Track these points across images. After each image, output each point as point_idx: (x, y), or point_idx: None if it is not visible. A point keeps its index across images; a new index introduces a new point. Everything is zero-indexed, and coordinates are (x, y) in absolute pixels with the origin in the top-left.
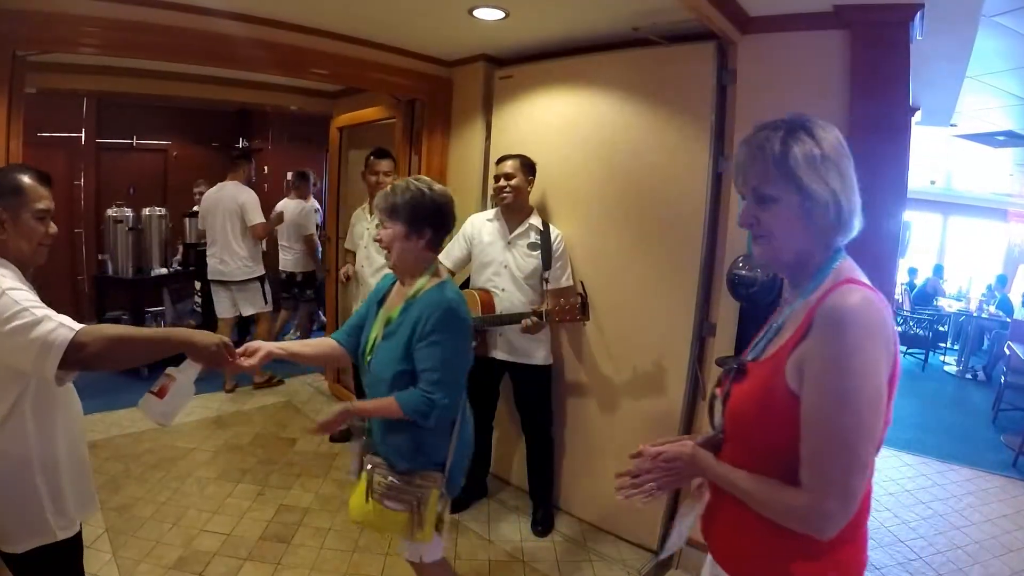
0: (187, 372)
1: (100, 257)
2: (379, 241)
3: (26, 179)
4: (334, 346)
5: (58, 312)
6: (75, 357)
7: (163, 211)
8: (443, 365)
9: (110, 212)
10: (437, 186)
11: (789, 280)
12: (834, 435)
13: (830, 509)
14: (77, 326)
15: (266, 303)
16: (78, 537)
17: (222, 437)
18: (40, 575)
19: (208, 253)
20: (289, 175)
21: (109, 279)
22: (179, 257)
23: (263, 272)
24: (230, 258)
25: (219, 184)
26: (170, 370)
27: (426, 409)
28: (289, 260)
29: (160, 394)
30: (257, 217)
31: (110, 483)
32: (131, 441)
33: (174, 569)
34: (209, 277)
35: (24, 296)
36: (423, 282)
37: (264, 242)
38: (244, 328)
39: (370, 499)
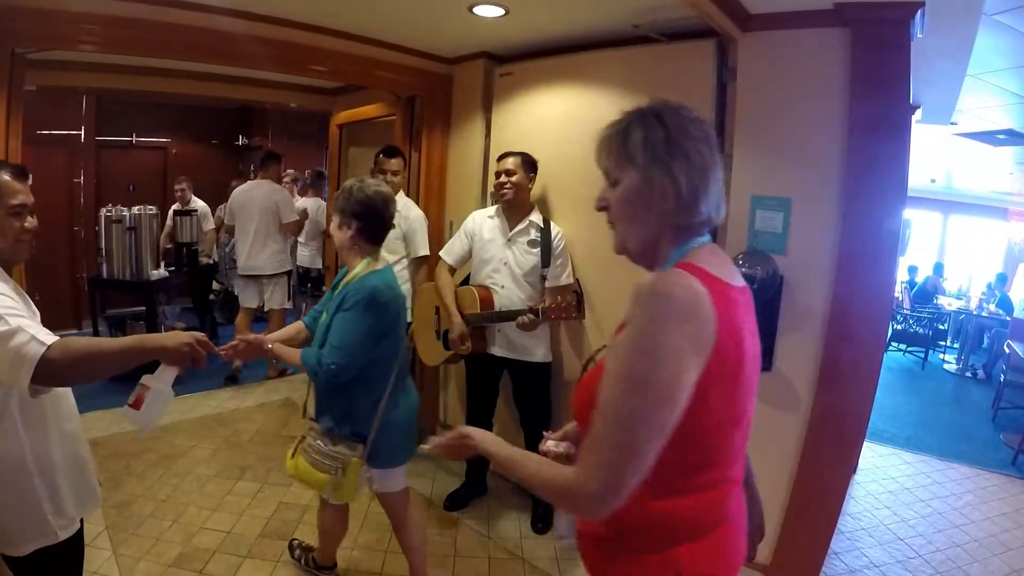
0: (162, 378)
1: (99, 260)
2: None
3: (4, 174)
4: (301, 328)
5: (59, 312)
6: (45, 373)
7: (155, 209)
8: (342, 334)
9: (105, 212)
10: (371, 186)
11: (646, 269)
12: (613, 415)
13: (593, 490)
14: (50, 339)
15: (288, 298)
16: (78, 537)
17: (222, 434)
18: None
19: (238, 249)
20: (306, 173)
21: (105, 281)
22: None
23: (292, 267)
24: (264, 253)
25: (250, 183)
26: (145, 379)
27: (315, 366)
28: (306, 256)
29: (136, 405)
30: (291, 215)
31: (110, 480)
32: (131, 439)
33: (174, 566)
34: (240, 272)
35: (2, 303)
36: (359, 269)
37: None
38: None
39: (297, 456)
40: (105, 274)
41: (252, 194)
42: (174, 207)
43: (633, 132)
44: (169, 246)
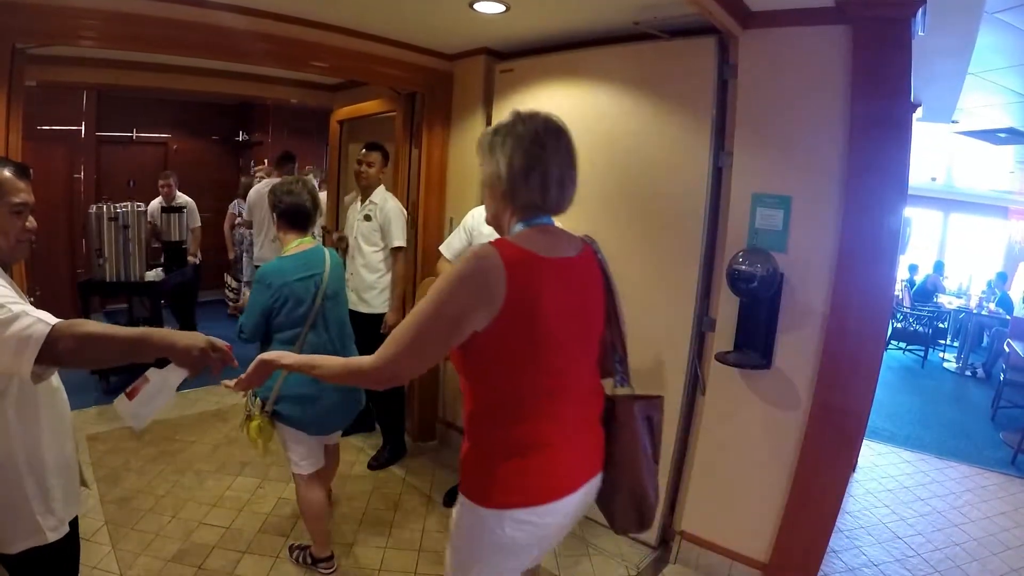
0: (167, 376)
1: (99, 262)
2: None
3: (2, 172)
4: None
5: (59, 309)
6: (49, 353)
7: (143, 206)
8: (246, 307)
9: (95, 209)
10: (282, 185)
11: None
12: (407, 325)
13: (380, 367)
14: (54, 320)
15: None
16: (72, 538)
17: (222, 430)
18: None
19: (255, 243)
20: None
21: (98, 285)
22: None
23: None
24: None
25: (266, 180)
26: (150, 372)
27: (237, 331)
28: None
29: (131, 395)
30: None
31: (110, 476)
32: (131, 434)
33: (173, 562)
34: (255, 263)
35: (1, 293)
36: (285, 250)
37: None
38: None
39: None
40: (97, 277)
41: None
42: (156, 202)
43: (489, 134)
44: (156, 245)
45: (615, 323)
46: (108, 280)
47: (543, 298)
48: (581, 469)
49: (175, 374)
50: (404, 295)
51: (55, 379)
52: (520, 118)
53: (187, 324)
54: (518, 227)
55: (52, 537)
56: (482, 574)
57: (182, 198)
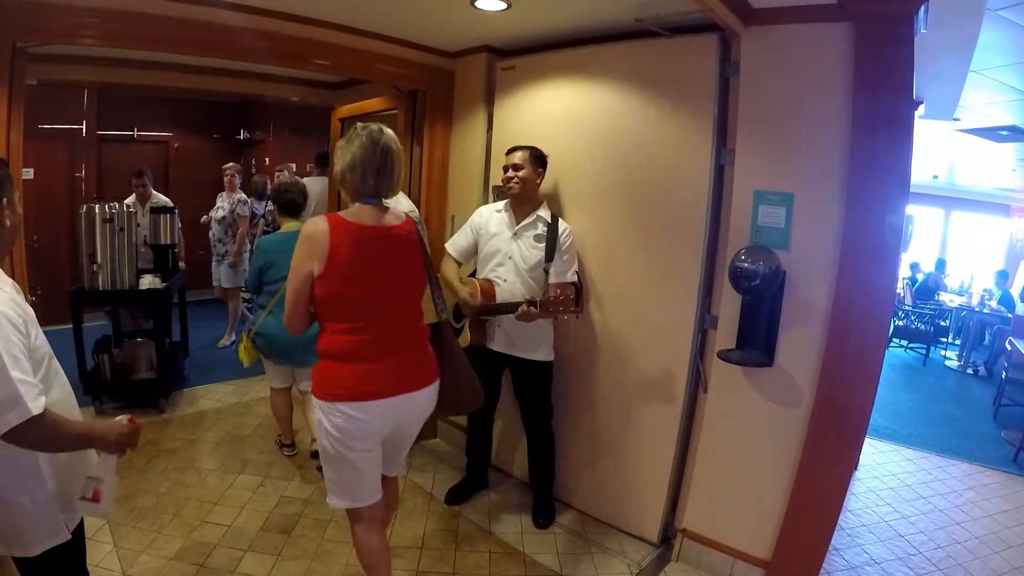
0: (108, 467)
1: (95, 268)
2: None
3: (6, 168)
4: None
5: (61, 307)
6: (14, 435)
7: (132, 206)
8: (249, 268)
9: (87, 209)
10: (285, 184)
11: None
12: (287, 284)
13: (286, 320)
14: (37, 406)
15: None
16: (80, 530)
17: (223, 428)
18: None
19: None
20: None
21: (94, 295)
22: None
23: None
24: None
25: (308, 178)
26: (94, 472)
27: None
28: None
29: (95, 499)
30: None
31: None
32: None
33: (175, 560)
34: None
35: (9, 346)
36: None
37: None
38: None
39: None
40: (91, 286)
41: (311, 188)
42: (129, 201)
43: (338, 145)
44: (142, 248)
45: (431, 274)
46: (101, 288)
47: (357, 251)
48: (397, 382)
49: (111, 461)
50: None
51: (58, 364)
52: (354, 132)
53: (167, 331)
54: (354, 206)
55: (71, 527)
56: (339, 467)
57: (159, 197)
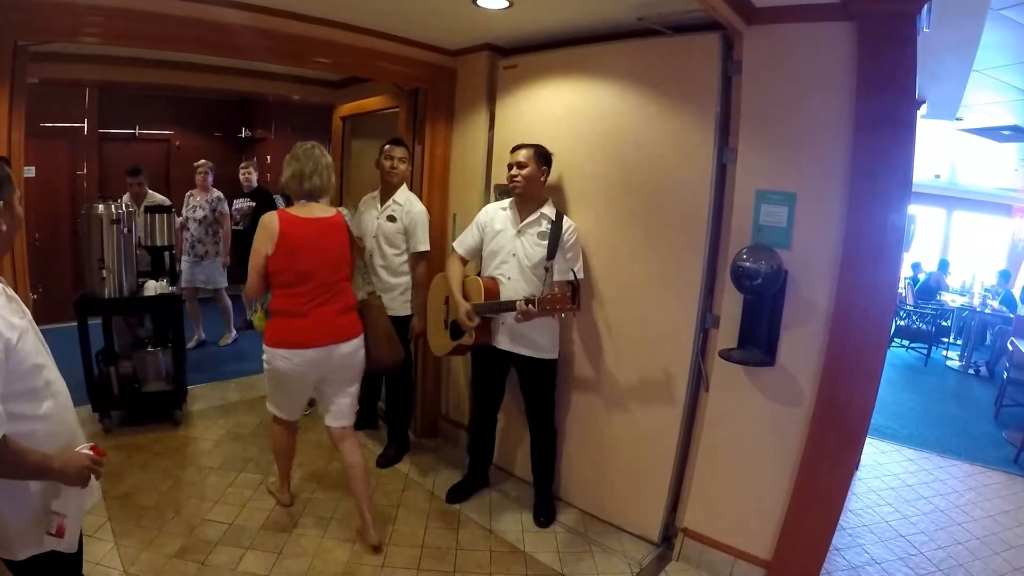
0: (70, 500)
1: (103, 275)
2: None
3: (6, 168)
4: None
5: (62, 305)
6: None
7: (131, 205)
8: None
9: (94, 210)
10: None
11: None
12: (250, 260)
13: (246, 291)
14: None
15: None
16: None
17: (224, 426)
18: None
19: None
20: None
21: (101, 304)
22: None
23: None
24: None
25: None
26: (55, 507)
27: None
28: None
29: (59, 534)
30: None
31: (112, 472)
32: (132, 431)
33: (176, 558)
34: None
35: None
36: None
37: None
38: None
39: None
40: (98, 293)
41: None
42: (124, 200)
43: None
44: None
45: (356, 254)
46: (109, 296)
47: (295, 236)
48: (322, 336)
49: (73, 492)
50: (425, 300)
51: (55, 373)
52: (297, 150)
53: (181, 339)
54: (297, 204)
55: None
56: (275, 391)
57: (155, 196)
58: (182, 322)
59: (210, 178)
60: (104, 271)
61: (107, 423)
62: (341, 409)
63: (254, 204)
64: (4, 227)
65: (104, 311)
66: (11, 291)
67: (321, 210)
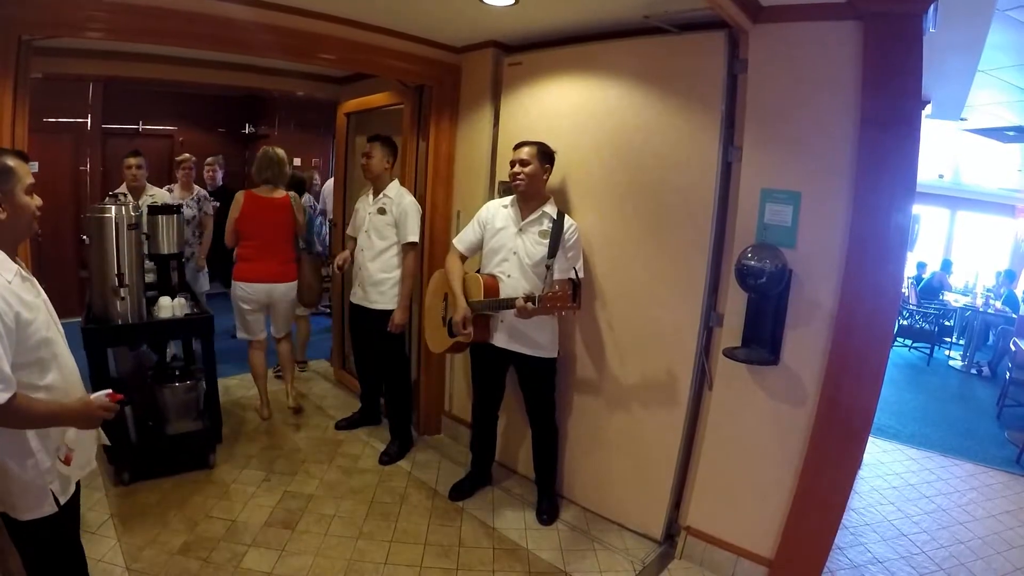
0: (82, 439)
1: (122, 293)
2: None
3: (12, 160)
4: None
5: (66, 301)
6: None
7: (127, 197)
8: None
9: (106, 213)
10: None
11: None
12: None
13: (225, 235)
14: (7, 391)
15: None
16: (75, 500)
17: (228, 423)
18: (40, 543)
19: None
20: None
21: (113, 331)
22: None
23: None
24: None
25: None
26: (68, 442)
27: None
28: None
29: (66, 462)
30: None
31: (111, 473)
32: None
33: (179, 554)
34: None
35: None
36: None
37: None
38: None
39: None
40: (115, 318)
41: (327, 187)
42: (121, 190)
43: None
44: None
45: (299, 224)
46: (129, 321)
47: (250, 207)
48: (267, 275)
49: (85, 434)
50: (410, 292)
51: (63, 348)
52: (261, 150)
53: (213, 367)
54: (259, 188)
55: (62, 500)
56: (238, 316)
57: (157, 192)
58: (212, 347)
59: (194, 174)
60: (123, 290)
61: (123, 478)
62: (278, 325)
63: (218, 204)
64: (4, 216)
65: (126, 340)
66: (27, 272)
67: (275, 192)
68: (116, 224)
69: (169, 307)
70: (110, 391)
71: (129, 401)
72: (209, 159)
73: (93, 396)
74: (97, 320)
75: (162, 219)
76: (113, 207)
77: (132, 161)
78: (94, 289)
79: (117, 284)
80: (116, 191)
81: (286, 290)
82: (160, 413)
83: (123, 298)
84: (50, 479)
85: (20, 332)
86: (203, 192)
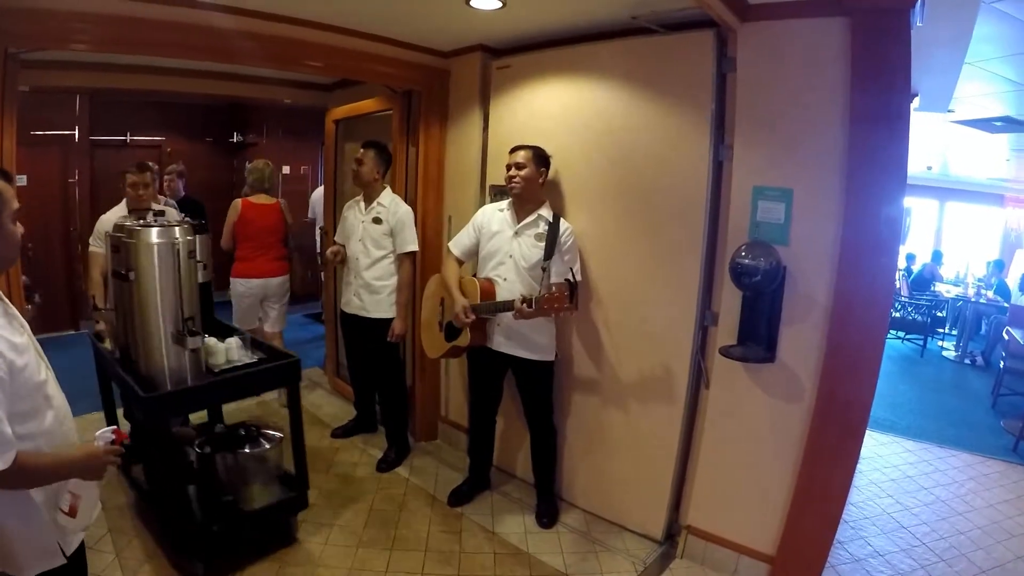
0: (88, 488)
1: (191, 344)
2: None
3: (1, 182)
4: None
5: (56, 315)
6: None
7: (126, 216)
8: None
9: (135, 239)
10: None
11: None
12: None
13: (222, 240)
14: (4, 461)
15: None
16: (80, 555)
17: None
18: None
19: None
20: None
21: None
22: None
23: None
24: None
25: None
26: (72, 486)
27: None
28: None
29: (71, 513)
30: None
31: (113, 483)
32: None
33: (178, 568)
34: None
35: None
36: None
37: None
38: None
39: None
40: (173, 379)
41: (317, 195)
42: (117, 212)
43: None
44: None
45: (288, 226)
46: (203, 382)
47: (246, 212)
48: (261, 272)
49: (90, 484)
50: (408, 301)
51: (54, 388)
52: (254, 161)
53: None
54: (253, 195)
55: (69, 551)
56: (237, 310)
57: (166, 209)
58: (299, 391)
59: (180, 182)
60: (192, 339)
61: (195, 572)
62: (272, 318)
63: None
64: None
65: (201, 404)
66: (10, 306)
67: (266, 198)
68: (170, 253)
69: (223, 351)
70: (115, 427)
71: (134, 450)
72: (169, 168)
73: (97, 434)
74: (146, 381)
75: (199, 239)
76: (154, 230)
77: (135, 179)
78: (138, 340)
79: (185, 332)
80: (116, 211)
81: (280, 283)
82: (232, 485)
83: (194, 350)
84: (56, 531)
85: (14, 382)
86: (172, 202)
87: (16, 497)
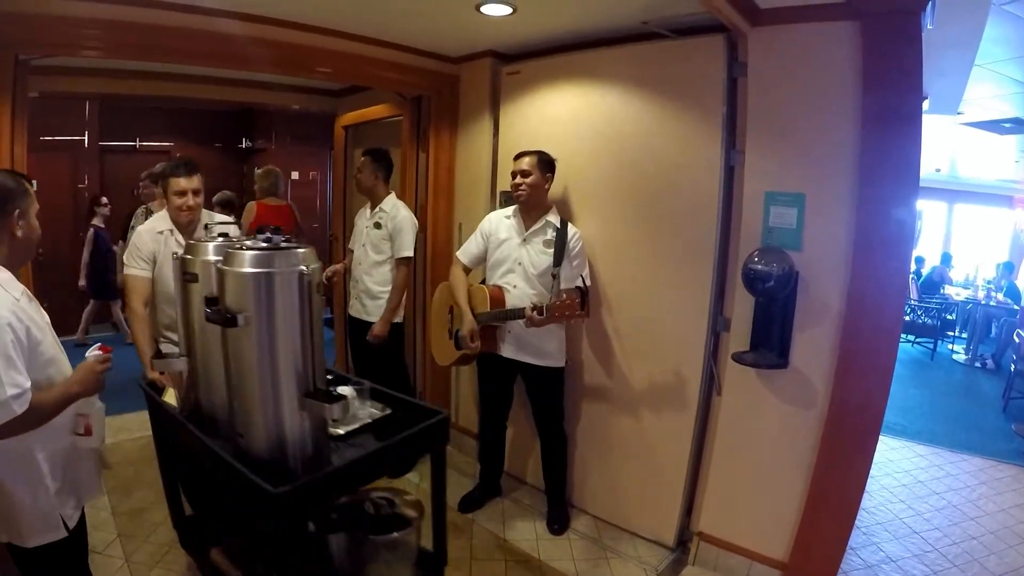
0: (93, 403)
1: (336, 413)
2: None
3: (25, 182)
4: None
5: (65, 320)
6: (10, 426)
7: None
8: None
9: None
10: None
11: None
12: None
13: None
14: (21, 405)
15: None
16: (82, 525)
17: None
18: (48, 569)
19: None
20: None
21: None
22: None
23: None
24: None
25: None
26: (81, 410)
27: None
28: None
29: (87, 432)
30: None
31: (121, 488)
32: (141, 445)
33: (188, 573)
34: None
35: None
36: None
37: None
38: None
39: None
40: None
41: None
42: (151, 224)
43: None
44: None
45: (298, 224)
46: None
47: (261, 213)
48: None
49: (93, 400)
50: (397, 306)
51: (66, 363)
52: (263, 167)
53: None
54: (265, 198)
55: (71, 524)
56: None
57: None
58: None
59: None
60: (338, 407)
61: None
62: None
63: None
64: (20, 234)
65: (344, 489)
66: (33, 298)
67: (276, 200)
68: (307, 284)
69: (339, 407)
70: (100, 344)
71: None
72: (143, 174)
73: (88, 353)
74: (257, 463)
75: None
76: (268, 251)
77: (184, 184)
78: (245, 405)
79: (322, 393)
80: (149, 225)
81: None
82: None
83: (337, 419)
84: (59, 503)
85: (31, 349)
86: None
87: (23, 465)
